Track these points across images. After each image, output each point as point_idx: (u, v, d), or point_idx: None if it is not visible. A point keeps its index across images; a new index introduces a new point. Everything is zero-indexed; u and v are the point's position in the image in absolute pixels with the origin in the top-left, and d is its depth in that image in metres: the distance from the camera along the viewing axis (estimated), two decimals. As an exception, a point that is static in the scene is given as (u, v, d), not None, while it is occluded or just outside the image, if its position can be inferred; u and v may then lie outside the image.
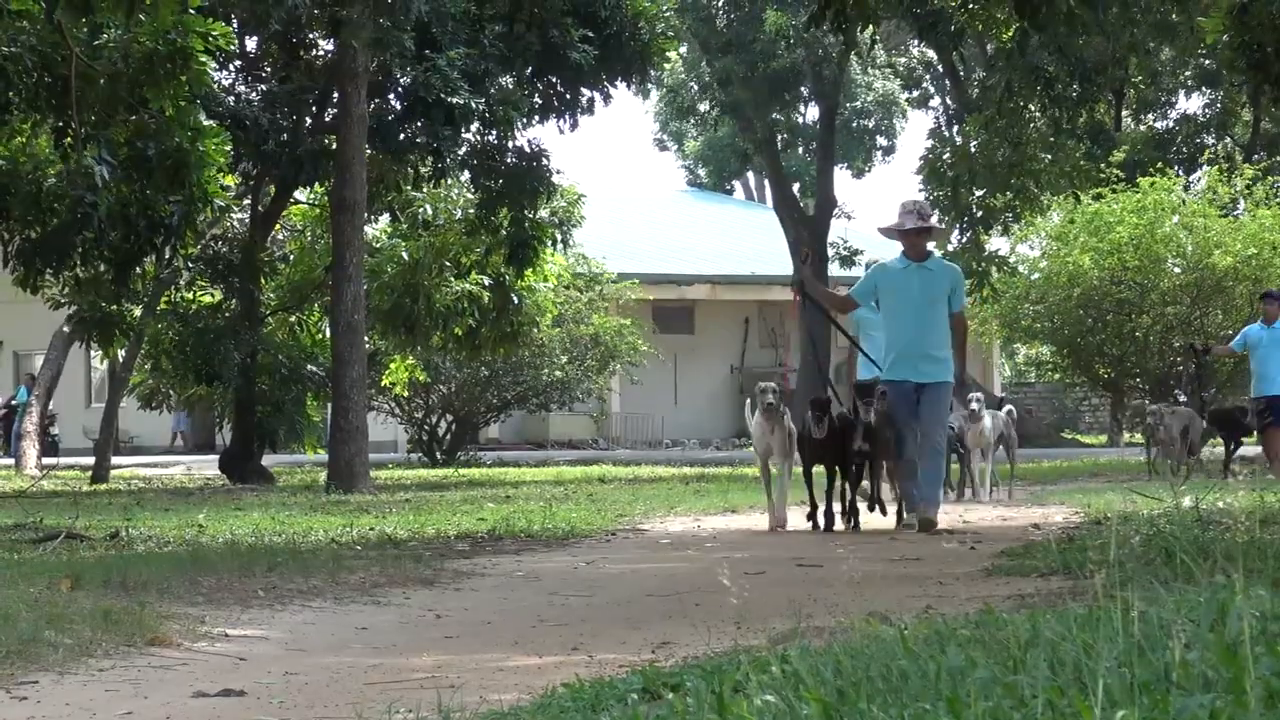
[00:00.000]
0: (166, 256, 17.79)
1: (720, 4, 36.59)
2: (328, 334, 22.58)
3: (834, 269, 39.67)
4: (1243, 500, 10.93)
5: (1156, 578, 5.90)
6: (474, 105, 20.29)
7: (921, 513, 12.23)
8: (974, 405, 15.93)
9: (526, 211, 22.58)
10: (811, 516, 12.73)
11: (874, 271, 13.36)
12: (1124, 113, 36.60)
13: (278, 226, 25.33)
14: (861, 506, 12.87)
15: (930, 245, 13.22)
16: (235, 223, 24.84)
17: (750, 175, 57.42)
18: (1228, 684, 3.13)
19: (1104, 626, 3.87)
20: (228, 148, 17.32)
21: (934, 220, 14.32)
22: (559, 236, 24.08)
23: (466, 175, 23.18)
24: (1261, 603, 3.99)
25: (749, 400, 13.52)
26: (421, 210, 24.47)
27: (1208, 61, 33.72)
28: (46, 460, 28.38)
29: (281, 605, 7.78)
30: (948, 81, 41.02)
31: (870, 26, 14.55)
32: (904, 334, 12.63)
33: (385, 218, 25.33)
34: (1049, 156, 29.92)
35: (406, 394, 30.12)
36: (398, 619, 7.31)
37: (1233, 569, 4.17)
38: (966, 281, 23.46)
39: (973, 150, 30.88)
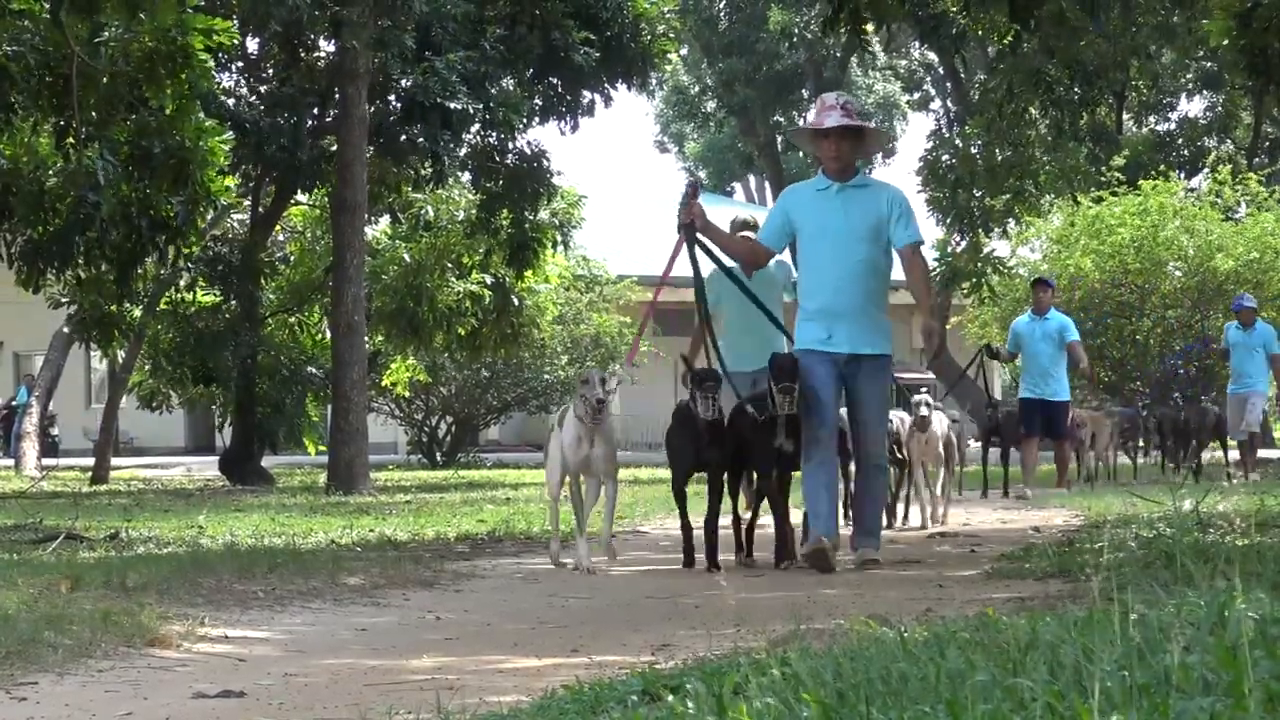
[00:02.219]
0: (170, 256, 17.79)
1: (722, 6, 36.61)
2: (328, 335, 22.58)
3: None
4: (1242, 504, 10.92)
5: (1156, 581, 5.90)
6: (471, 110, 20.28)
7: (865, 554, 9.35)
8: (923, 410, 12.69)
9: (527, 213, 22.58)
10: (688, 548, 9.55)
11: (784, 198, 9.76)
12: (1125, 115, 36.60)
13: (278, 228, 25.34)
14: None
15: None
16: (235, 224, 24.85)
17: (751, 177, 57.43)
18: (1227, 687, 3.13)
19: (1103, 630, 3.87)
20: (229, 146, 17.32)
21: (867, 121, 10.90)
22: (559, 238, 24.08)
23: (467, 177, 23.19)
24: (1261, 606, 3.99)
25: (565, 409, 9.91)
26: (423, 212, 24.47)
27: (1209, 64, 33.75)
28: (46, 461, 28.39)
29: (281, 607, 7.78)
30: (949, 84, 41.04)
31: (883, 28, 14.47)
32: (823, 282, 9.31)
33: (386, 219, 25.34)
34: (1049, 159, 29.95)
35: (407, 395, 30.12)
36: (397, 620, 7.31)
37: (1232, 572, 4.16)
38: (965, 284, 23.46)
39: (973, 152, 30.91)
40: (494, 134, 21.79)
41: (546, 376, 30.90)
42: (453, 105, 20.02)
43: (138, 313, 22.65)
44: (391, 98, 21.43)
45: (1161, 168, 29.29)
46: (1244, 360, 19.16)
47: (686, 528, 9.65)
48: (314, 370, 24.56)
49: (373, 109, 20.41)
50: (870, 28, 13.18)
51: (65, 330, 24.70)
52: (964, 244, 30.56)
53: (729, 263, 10.04)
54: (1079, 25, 12.02)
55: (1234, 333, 19.37)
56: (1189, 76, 38.03)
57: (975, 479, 18.35)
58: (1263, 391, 19.56)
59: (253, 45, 22.45)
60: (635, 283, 34.05)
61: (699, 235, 9.70)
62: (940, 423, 12.91)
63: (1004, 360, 18.88)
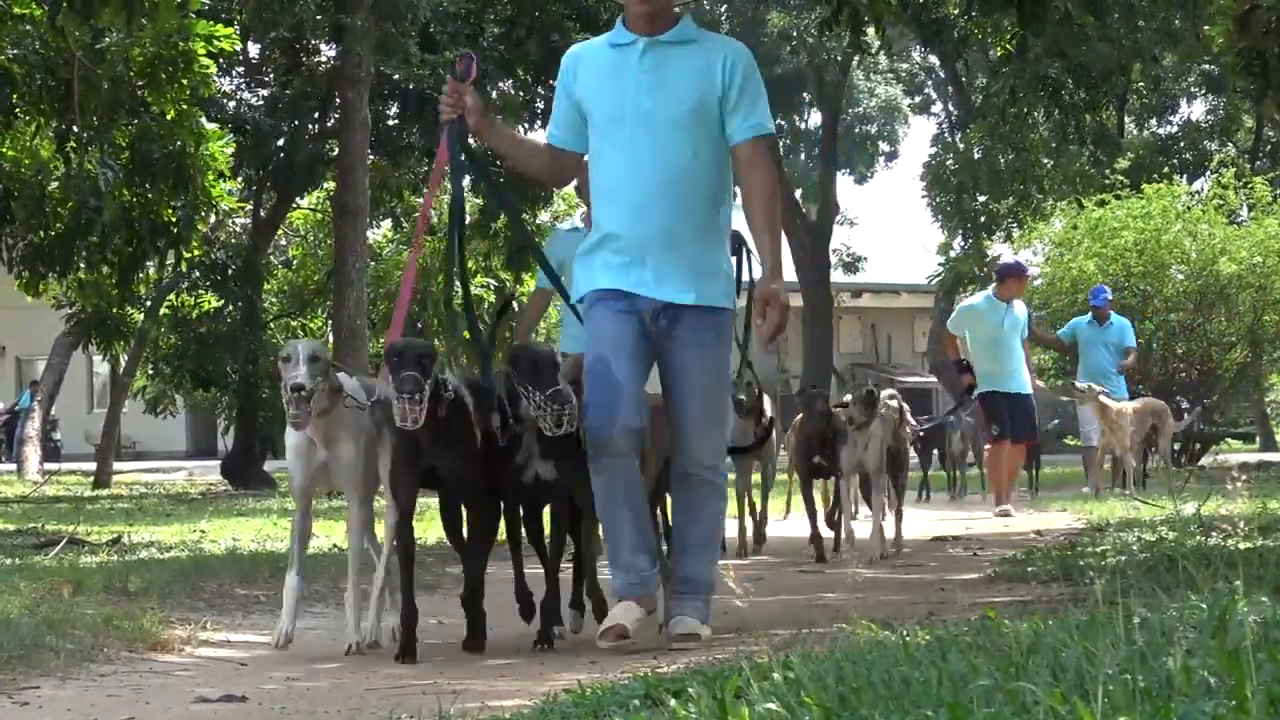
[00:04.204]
0: (170, 260, 17.80)
1: (723, 9, 36.63)
2: (330, 339, 22.60)
3: (836, 275, 39.71)
4: (1244, 507, 10.91)
5: (1158, 584, 5.90)
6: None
7: (678, 625, 6.35)
8: (853, 409, 10.19)
9: (527, 215, 22.58)
10: (408, 625, 6.34)
11: (565, 65, 6.61)
12: (1126, 119, 36.62)
13: (280, 231, 25.35)
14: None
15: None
16: (237, 228, 24.87)
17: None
18: (1229, 691, 3.13)
19: (1106, 633, 3.87)
20: (230, 150, 17.33)
21: None
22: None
23: (468, 179, 23.19)
24: (1263, 609, 3.99)
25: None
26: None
27: (1211, 67, 33.77)
28: (48, 465, 28.41)
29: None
30: (951, 88, 41.06)
31: (882, 29, 14.37)
32: (619, 194, 6.39)
33: (388, 223, 25.35)
34: (1051, 162, 29.96)
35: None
36: (399, 622, 7.29)
37: (1234, 576, 4.16)
38: (968, 287, 23.34)
39: (976, 156, 30.92)
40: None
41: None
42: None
43: (139, 317, 22.66)
44: (392, 101, 21.45)
45: (1165, 170, 29.29)
46: (1100, 359, 17.12)
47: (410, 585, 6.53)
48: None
49: (372, 112, 20.42)
50: (870, 30, 13.16)
51: (65, 332, 24.72)
52: (967, 247, 30.55)
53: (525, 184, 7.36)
54: (1083, 24, 11.99)
55: (1086, 329, 17.38)
56: (1191, 80, 38.05)
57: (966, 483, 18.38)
58: (1124, 395, 17.37)
59: (254, 50, 22.47)
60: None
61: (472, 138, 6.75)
62: (879, 427, 10.39)
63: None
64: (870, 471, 10.42)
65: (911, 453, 16.24)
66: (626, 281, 6.36)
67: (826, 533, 10.79)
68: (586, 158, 6.63)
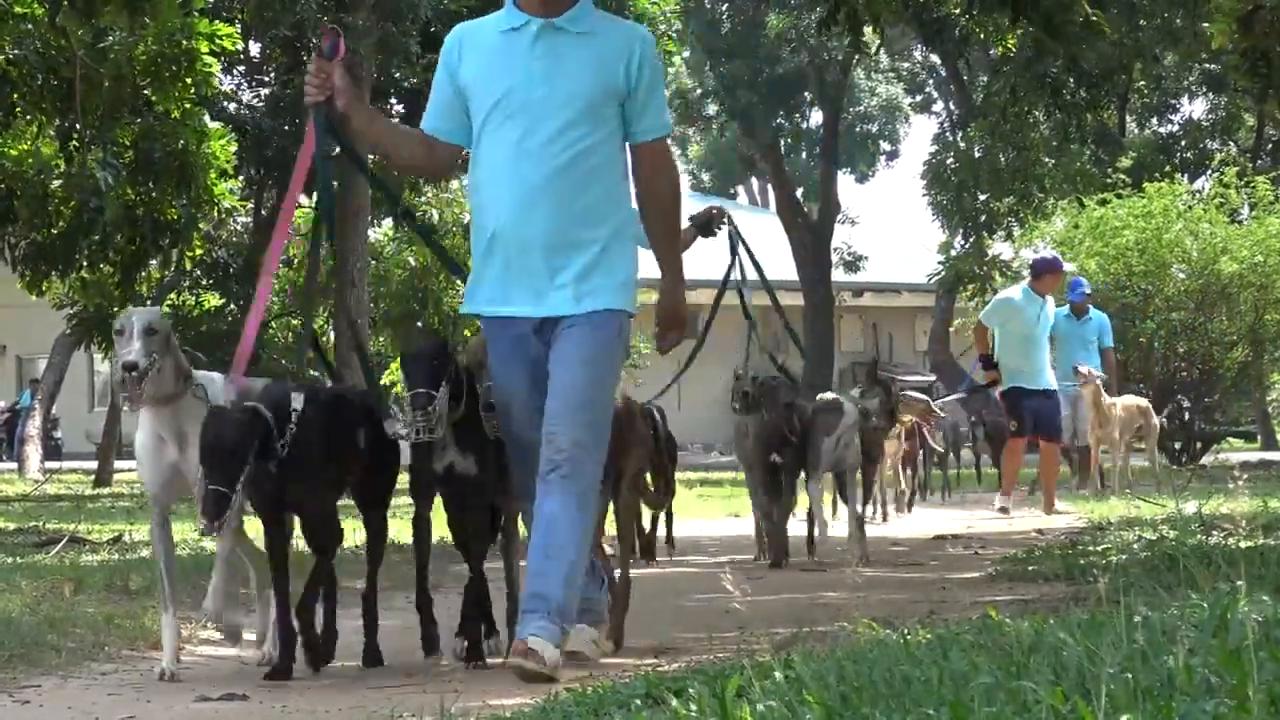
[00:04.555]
0: (173, 260, 17.81)
1: (724, 9, 36.62)
2: (331, 338, 22.61)
3: (838, 274, 39.70)
4: (1246, 506, 10.91)
5: (1159, 583, 5.90)
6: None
7: (523, 663, 5.38)
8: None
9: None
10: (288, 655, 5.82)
11: (448, 46, 5.91)
12: (1128, 118, 36.61)
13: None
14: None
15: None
16: (239, 227, 24.87)
17: (754, 180, 57.44)
18: (1231, 690, 3.13)
19: (1107, 632, 3.87)
20: (232, 149, 17.33)
21: None
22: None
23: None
24: (1265, 609, 3.99)
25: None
26: (427, 216, 24.48)
27: (1211, 66, 33.76)
28: (49, 464, 28.40)
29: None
30: (952, 86, 41.05)
31: (881, 29, 14.26)
32: (507, 193, 5.74)
33: (388, 222, 25.34)
34: (1053, 161, 29.95)
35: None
36: (401, 624, 7.29)
37: (1235, 575, 4.17)
38: (969, 286, 23.32)
39: (977, 155, 30.91)
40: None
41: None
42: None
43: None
44: (394, 100, 21.44)
45: (1166, 169, 29.28)
46: (1078, 354, 16.28)
47: (285, 619, 5.89)
48: (316, 374, 24.55)
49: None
50: (869, 30, 13.14)
51: (66, 332, 24.72)
52: (968, 246, 30.55)
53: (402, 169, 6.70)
54: (1099, 23, 11.96)
55: (1064, 323, 16.38)
56: (1192, 79, 38.04)
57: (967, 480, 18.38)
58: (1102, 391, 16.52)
59: (255, 48, 22.47)
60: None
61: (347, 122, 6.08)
62: (853, 424, 9.84)
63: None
64: (846, 470, 9.88)
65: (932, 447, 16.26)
66: (507, 302, 5.73)
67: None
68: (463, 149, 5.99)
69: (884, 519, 14.12)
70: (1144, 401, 17.56)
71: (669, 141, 5.97)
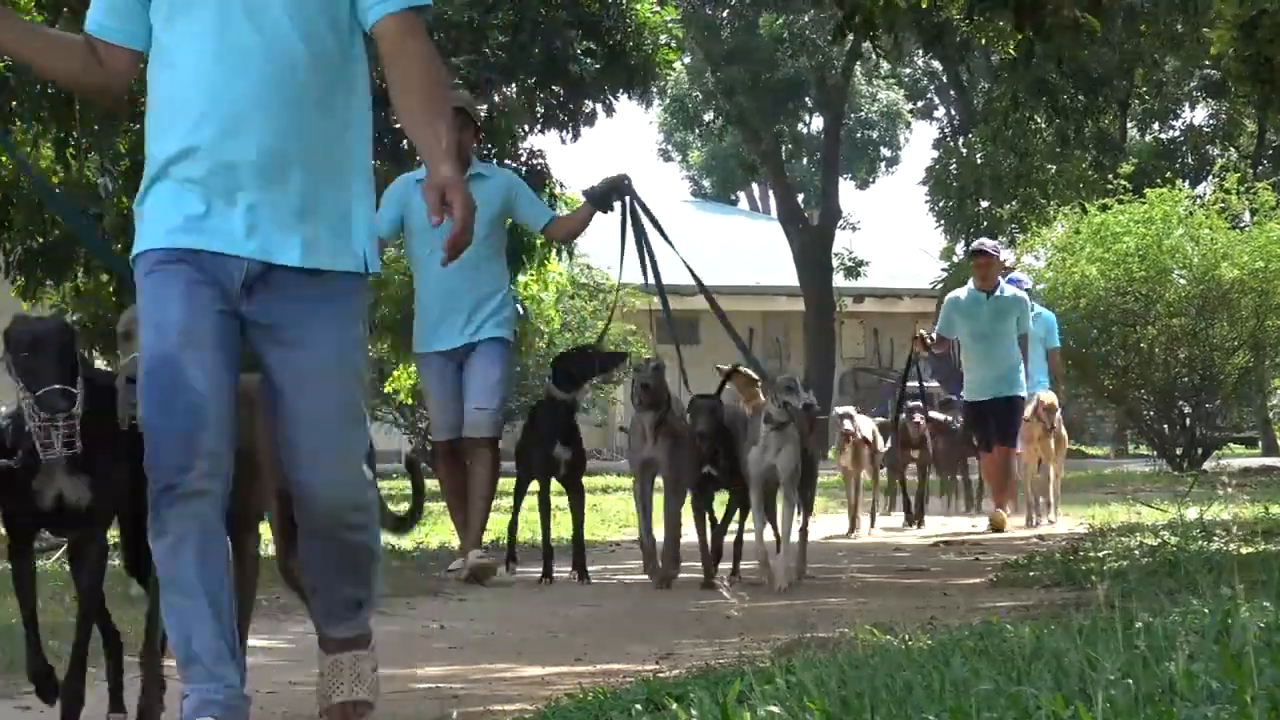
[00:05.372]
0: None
1: (725, 15, 36.66)
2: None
3: (838, 280, 39.72)
4: (1246, 512, 10.92)
5: (1160, 589, 5.90)
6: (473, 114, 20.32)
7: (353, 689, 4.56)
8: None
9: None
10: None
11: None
12: (1129, 124, 36.63)
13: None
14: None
15: None
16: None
17: (755, 186, 57.47)
18: (1231, 695, 3.13)
19: (1108, 638, 3.87)
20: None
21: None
22: (563, 245, 24.07)
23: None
24: (1266, 614, 3.99)
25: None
26: (427, 220, 24.49)
27: (1212, 72, 33.78)
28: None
29: (285, 615, 7.77)
30: (953, 92, 41.07)
31: (896, 35, 14.08)
32: (202, 104, 4.27)
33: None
34: (1054, 167, 29.97)
35: (410, 402, 30.12)
36: (401, 630, 7.31)
37: (1236, 580, 4.16)
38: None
39: (978, 161, 30.94)
40: (492, 143, 21.79)
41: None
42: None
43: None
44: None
45: (1168, 175, 29.29)
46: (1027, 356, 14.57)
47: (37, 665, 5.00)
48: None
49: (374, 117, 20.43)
50: (884, 36, 13.10)
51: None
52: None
53: None
54: (1089, 25, 11.95)
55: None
56: (1193, 84, 38.06)
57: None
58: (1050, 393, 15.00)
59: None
60: (638, 290, 34.04)
61: None
62: (792, 430, 8.77)
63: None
64: (782, 482, 8.79)
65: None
66: (200, 232, 4.25)
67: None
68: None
69: (919, 522, 14.03)
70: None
71: (416, 16, 4.41)
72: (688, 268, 9.33)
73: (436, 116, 4.35)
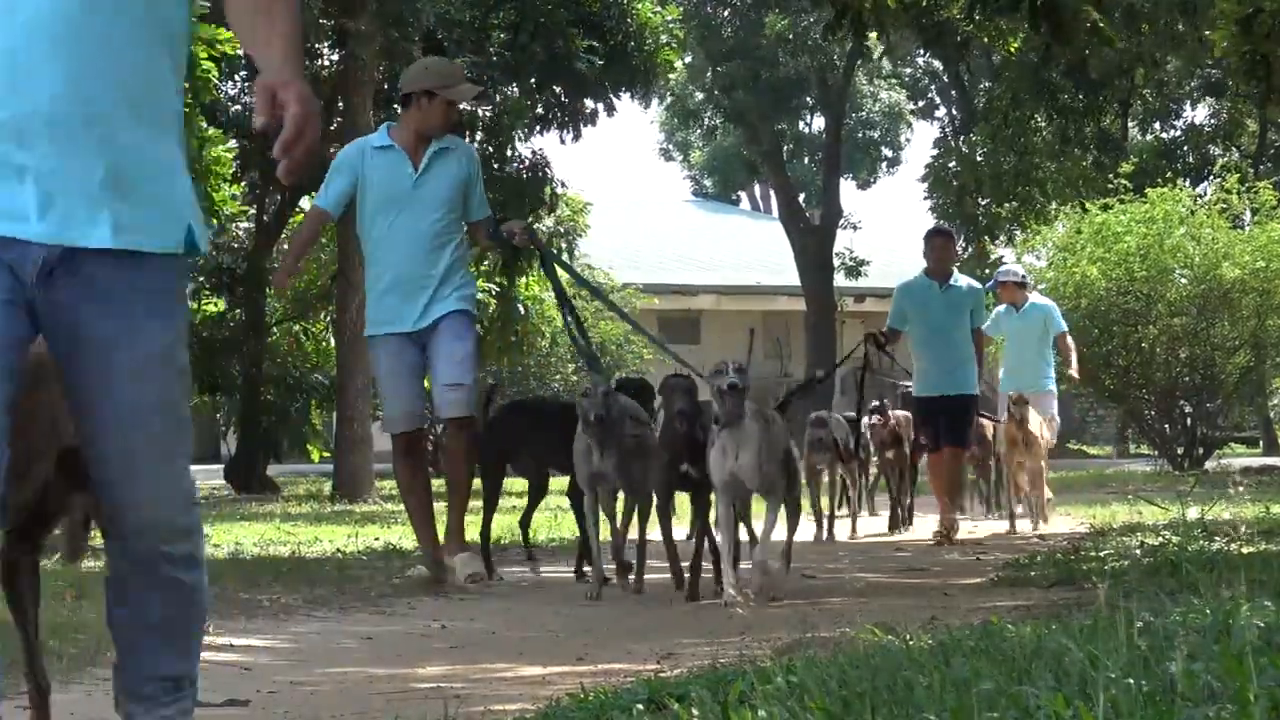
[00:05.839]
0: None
1: (726, 14, 36.67)
2: (333, 343, 22.62)
3: (839, 280, 39.71)
4: (1247, 511, 10.92)
5: (1161, 589, 5.90)
6: (480, 116, 20.34)
7: None
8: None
9: (529, 220, 22.61)
10: None
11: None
12: (1130, 123, 36.63)
13: (284, 235, 25.36)
14: None
15: None
16: (240, 232, 24.89)
17: (756, 185, 57.46)
18: (1232, 695, 3.13)
19: (1109, 637, 3.87)
20: (233, 155, 17.32)
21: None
22: (564, 245, 24.11)
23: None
24: (1266, 614, 3.99)
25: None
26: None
27: (1213, 71, 33.79)
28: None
29: (287, 615, 7.78)
30: (953, 91, 41.06)
31: (886, 34, 14.01)
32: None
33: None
34: (1055, 166, 29.95)
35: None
36: (403, 629, 7.31)
37: (1237, 580, 4.17)
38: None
39: (979, 160, 30.92)
40: (494, 142, 21.80)
41: (552, 385, 30.92)
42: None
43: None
44: (398, 109, 21.46)
45: (1168, 174, 29.29)
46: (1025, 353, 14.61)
47: None
48: (319, 378, 24.58)
49: (376, 118, 20.44)
50: (873, 35, 13.11)
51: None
52: (970, 251, 30.52)
53: None
54: (1106, 29, 11.95)
55: (1008, 319, 14.60)
56: (1194, 84, 38.06)
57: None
58: (1054, 391, 14.83)
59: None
60: (640, 290, 34.07)
61: None
62: (761, 430, 8.02)
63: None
64: (756, 490, 8.22)
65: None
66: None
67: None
68: None
69: (906, 524, 13.98)
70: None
71: None
72: (591, 287, 9.27)
73: (273, 15, 3.45)
